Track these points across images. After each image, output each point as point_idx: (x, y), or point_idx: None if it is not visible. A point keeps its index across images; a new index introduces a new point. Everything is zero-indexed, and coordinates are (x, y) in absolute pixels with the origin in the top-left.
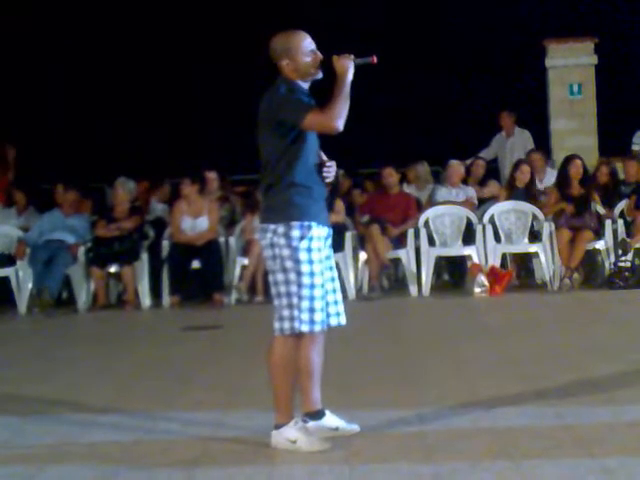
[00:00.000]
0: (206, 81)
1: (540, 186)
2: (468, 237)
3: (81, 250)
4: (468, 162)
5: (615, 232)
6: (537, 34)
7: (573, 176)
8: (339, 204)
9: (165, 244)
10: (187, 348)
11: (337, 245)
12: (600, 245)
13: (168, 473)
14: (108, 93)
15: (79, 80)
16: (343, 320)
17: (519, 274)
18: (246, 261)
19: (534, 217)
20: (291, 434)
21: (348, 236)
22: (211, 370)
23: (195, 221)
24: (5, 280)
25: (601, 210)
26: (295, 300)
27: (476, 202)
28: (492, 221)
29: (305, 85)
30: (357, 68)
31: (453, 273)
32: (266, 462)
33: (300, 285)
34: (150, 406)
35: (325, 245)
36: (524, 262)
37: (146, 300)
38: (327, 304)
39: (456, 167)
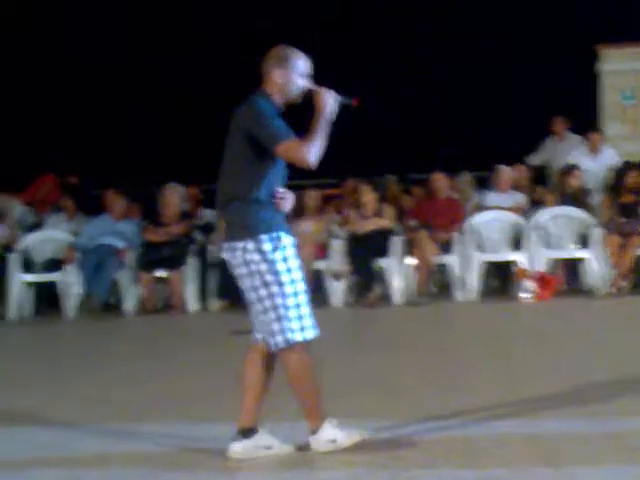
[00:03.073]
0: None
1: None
2: (516, 242)
3: (130, 255)
4: (515, 167)
5: None
6: (588, 39)
7: (630, 185)
8: (388, 209)
9: (212, 249)
10: (233, 352)
11: (384, 250)
12: None
13: (208, 475)
14: (156, 100)
15: (126, 87)
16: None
17: (567, 279)
18: None
19: (583, 222)
20: (329, 434)
21: (395, 241)
22: None
23: None
24: (54, 285)
25: None
26: (282, 311)
27: (525, 207)
28: (540, 226)
29: (281, 103)
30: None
31: (501, 278)
32: (306, 467)
33: (284, 295)
34: (196, 412)
35: (295, 253)
36: (572, 267)
37: (193, 304)
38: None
39: (505, 172)
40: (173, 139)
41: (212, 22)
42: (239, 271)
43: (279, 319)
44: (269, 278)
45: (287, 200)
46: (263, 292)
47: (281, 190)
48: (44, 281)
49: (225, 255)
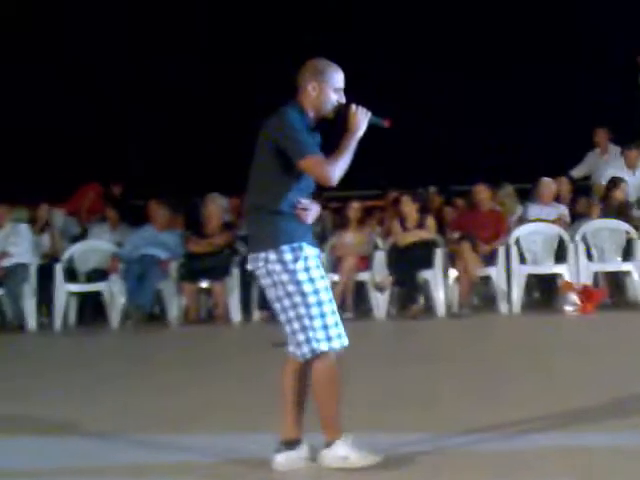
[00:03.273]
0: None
1: None
2: (560, 255)
3: (173, 265)
4: (558, 180)
5: None
6: (632, 50)
7: None
8: (430, 221)
9: None
10: (276, 363)
11: (427, 262)
12: None
13: None
14: (200, 108)
15: (171, 96)
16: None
17: (612, 292)
18: (336, 277)
19: (627, 235)
20: (342, 451)
21: (438, 253)
22: None
23: None
24: (99, 295)
25: None
26: (307, 321)
27: (568, 220)
28: (584, 239)
29: (313, 117)
30: (368, 125)
31: (544, 291)
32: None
33: (307, 305)
34: (239, 422)
35: (319, 264)
36: (617, 280)
37: (236, 315)
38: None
39: (548, 184)
40: (173, 140)
41: (212, 22)
42: (264, 282)
43: (304, 329)
44: (291, 288)
45: (310, 212)
46: (286, 303)
47: (304, 201)
48: (88, 291)
49: (249, 266)
